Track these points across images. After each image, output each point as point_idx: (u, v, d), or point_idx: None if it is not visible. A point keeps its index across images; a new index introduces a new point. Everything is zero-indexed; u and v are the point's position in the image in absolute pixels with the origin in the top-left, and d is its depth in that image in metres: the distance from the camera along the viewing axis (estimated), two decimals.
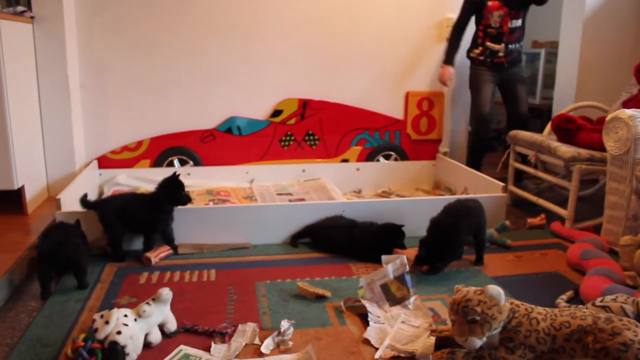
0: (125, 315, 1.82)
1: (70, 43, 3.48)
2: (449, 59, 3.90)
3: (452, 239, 2.54)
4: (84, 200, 2.70)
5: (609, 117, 2.84)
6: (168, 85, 3.77)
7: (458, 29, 3.88)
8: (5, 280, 2.29)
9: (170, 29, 3.69)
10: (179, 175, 2.77)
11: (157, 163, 3.85)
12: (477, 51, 3.85)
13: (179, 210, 2.83)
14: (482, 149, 3.96)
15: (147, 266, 2.62)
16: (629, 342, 1.60)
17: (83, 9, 3.56)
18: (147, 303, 1.90)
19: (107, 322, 1.77)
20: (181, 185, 2.75)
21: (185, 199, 2.75)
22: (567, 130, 3.39)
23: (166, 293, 1.96)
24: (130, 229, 2.73)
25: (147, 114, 3.80)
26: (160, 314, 1.94)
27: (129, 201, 2.76)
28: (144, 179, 3.73)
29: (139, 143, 3.80)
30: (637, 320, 1.88)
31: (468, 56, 3.95)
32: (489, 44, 3.81)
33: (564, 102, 4.24)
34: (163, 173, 3.70)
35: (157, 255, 2.69)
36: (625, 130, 2.70)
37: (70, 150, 3.53)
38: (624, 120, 2.71)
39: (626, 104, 3.34)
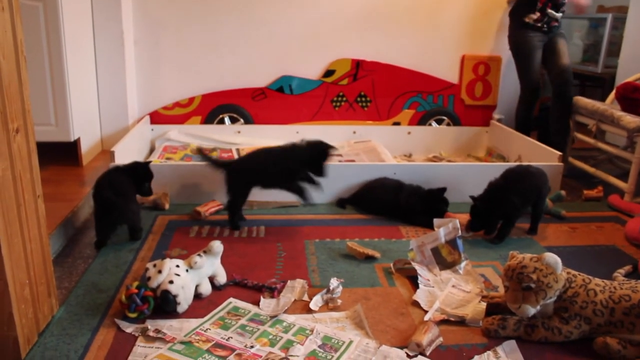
0: (178, 266, 1.85)
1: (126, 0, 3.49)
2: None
3: (503, 202, 2.46)
4: (212, 160, 2.67)
5: None
6: (220, 42, 3.76)
7: None
8: (62, 228, 2.35)
9: None
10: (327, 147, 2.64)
11: (208, 120, 3.87)
12: (534, 17, 3.64)
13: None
14: (531, 115, 3.84)
15: (197, 220, 2.65)
16: None
17: None
18: (199, 255, 1.92)
19: (159, 272, 1.80)
20: (326, 155, 2.63)
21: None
22: (633, 99, 3.23)
23: (217, 246, 1.97)
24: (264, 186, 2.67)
25: (199, 71, 3.80)
26: (211, 266, 1.96)
27: (262, 162, 2.65)
28: (195, 135, 3.76)
29: (191, 99, 3.82)
30: None
31: (520, 21, 3.69)
32: (550, 10, 3.62)
33: (630, 70, 4.04)
34: (214, 130, 3.78)
35: (208, 210, 2.71)
36: None
37: (123, 106, 3.58)
38: None
39: None
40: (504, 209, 2.48)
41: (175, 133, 3.76)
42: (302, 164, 2.59)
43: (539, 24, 3.63)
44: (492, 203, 2.47)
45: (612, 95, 3.58)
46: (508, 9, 3.82)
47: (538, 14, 3.63)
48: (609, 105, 3.42)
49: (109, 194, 2.29)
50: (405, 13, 3.85)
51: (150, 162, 2.59)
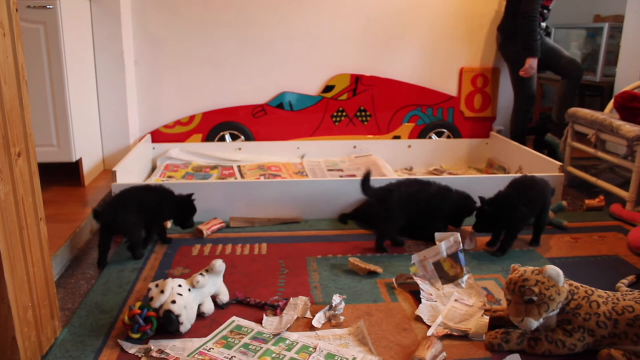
0: (180, 286, 1.85)
1: (126, 19, 3.52)
2: (538, 49, 3.66)
3: (511, 210, 2.46)
4: (368, 187, 2.60)
5: None
6: (220, 60, 3.79)
7: (536, 16, 3.64)
8: (65, 249, 2.36)
9: (223, 4, 3.69)
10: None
11: (209, 138, 3.89)
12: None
13: (229, 185, 2.87)
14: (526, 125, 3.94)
15: (200, 238, 2.65)
16: None
17: None
18: (201, 274, 1.92)
19: (162, 292, 1.81)
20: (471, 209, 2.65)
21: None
22: (631, 108, 3.24)
23: (219, 265, 1.98)
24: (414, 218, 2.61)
25: (199, 89, 3.83)
26: (213, 285, 1.96)
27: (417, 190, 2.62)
28: (197, 154, 3.78)
29: (192, 118, 3.84)
30: None
31: None
32: (543, 24, 3.73)
33: (628, 79, 4.05)
34: (215, 147, 3.80)
35: (210, 228, 2.72)
36: None
37: (125, 125, 3.60)
38: None
39: None
40: (512, 216, 2.46)
41: (177, 151, 3.78)
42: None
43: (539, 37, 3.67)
44: (500, 209, 2.46)
45: (610, 104, 3.59)
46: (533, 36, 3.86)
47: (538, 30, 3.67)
48: (608, 114, 3.43)
49: (111, 209, 2.35)
50: (404, 27, 3.88)
51: (192, 195, 2.61)
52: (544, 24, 3.77)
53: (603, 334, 1.68)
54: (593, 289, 1.76)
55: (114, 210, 2.37)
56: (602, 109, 3.82)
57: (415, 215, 2.56)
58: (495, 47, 3.99)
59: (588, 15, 5.76)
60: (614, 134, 3.13)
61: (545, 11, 3.75)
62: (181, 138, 3.88)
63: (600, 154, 3.41)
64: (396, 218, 2.53)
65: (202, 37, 3.73)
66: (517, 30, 3.67)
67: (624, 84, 4.06)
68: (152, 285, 1.86)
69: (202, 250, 2.52)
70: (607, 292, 1.77)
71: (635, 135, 2.96)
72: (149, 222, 2.49)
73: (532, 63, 3.65)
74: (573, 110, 3.55)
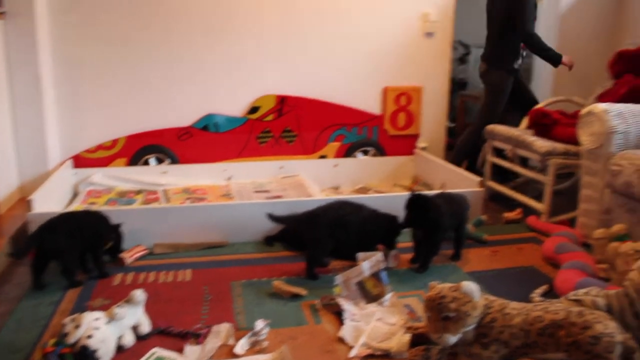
0: (97, 319, 1.80)
1: (43, 40, 3.41)
2: (557, 54, 3.73)
3: (433, 229, 2.53)
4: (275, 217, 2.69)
5: (583, 111, 2.86)
6: (143, 82, 3.72)
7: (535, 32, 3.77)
8: None
9: (145, 24, 3.64)
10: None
11: (133, 161, 3.80)
12: (518, 62, 3.85)
13: (152, 210, 2.82)
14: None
15: (122, 267, 2.59)
16: (599, 335, 1.61)
17: (55, 4, 3.49)
18: (120, 305, 1.87)
19: (77, 326, 1.75)
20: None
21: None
22: (544, 124, 3.41)
23: (139, 295, 1.93)
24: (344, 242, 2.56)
25: (122, 112, 3.75)
26: (133, 316, 1.92)
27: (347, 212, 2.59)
28: (120, 178, 3.69)
29: (114, 141, 3.75)
30: (608, 312, 1.90)
31: (509, 67, 3.84)
32: (523, 52, 3.88)
33: (541, 96, 4.26)
34: (139, 171, 3.72)
35: (132, 255, 2.65)
36: (599, 125, 2.72)
37: (43, 150, 3.47)
38: (597, 114, 2.74)
39: (601, 98, 3.37)
40: (433, 218, 2.50)
41: (99, 176, 3.68)
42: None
43: (517, 67, 3.86)
44: (425, 208, 2.50)
45: (525, 121, 3.76)
46: (427, 40, 3.99)
47: (520, 59, 3.84)
48: (523, 130, 3.59)
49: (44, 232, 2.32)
50: (327, 47, 3.94)
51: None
52: (519, 61, 3.87)
53: (517, 345, 1.73)
54: (507, 301, 1.83)
55: (48, 233, 2.30)
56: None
57: (345, 238, 2.53)
58: (417, 66, 4.10)
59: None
60: (528, 149, 3.27)
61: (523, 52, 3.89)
62: (104, 162, 3.77)
63: (517, 169, 3.56)
64: (325, 243, 2.50)
65: (124, 58, 3.66)
66: (506, 55, 3.82)
67: (538, 100, 4.26)
68: (67, 320, 1.80)
69: (124, 279, 2.46)
70: (520, 303, 1.83)
71: (547, 151, 3.10)
72: (85, 247, 2.43)
73: (566, 60, 3.73)
74: (491, 127, 3.70)
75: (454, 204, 2.63)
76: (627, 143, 2.69)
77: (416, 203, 2.49)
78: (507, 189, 3.62)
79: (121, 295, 2.15)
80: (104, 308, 1.92)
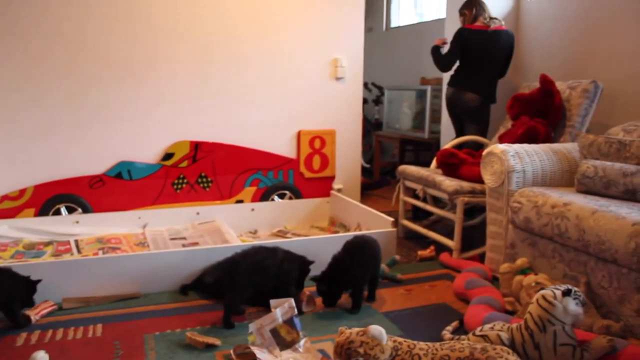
0: None
1: None
2: None
3: (347, 276, 2.59)
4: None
5: (485, 152, 3.01)
6: (52, 129, 3.60)
7: None
8: None
9: (52, 69, 3.54)
10: None
11: (42, 211, 3.65)
12: None
13: (61, 264, 2.71)
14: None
15: (27, 325, 2.46)
16: None
17: None
18: None
19: None
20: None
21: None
22: (451, 164, 3.54)
23: (41, 357, 1.85)
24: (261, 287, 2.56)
25: (29, 161, 3.60)
26: None
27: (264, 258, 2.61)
28: (28, 230, 3.53)
29: (22, 191, 3.60)
30: (511, 346, 1.98)
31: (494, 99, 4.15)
32: None
33: (449, 136, 4.44)
34: (49, 222, 3.58)
35: (39, 312, 2.53)
36: (499, 164, 2.87)
37: None
38: (497, 154, 2.89)
39: (501, 139, 3.56)
40: (349, 283, 2.61)
41: (5, 229, 3.50)
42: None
43: None
44: (336, 279, 2.59)
45: (434, 161, 3.90)
46: (339, 84, 4.12)
47: None
48: (432, 170, 3.73)
49: None
50: (241, 92, 3.97)
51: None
52: None
53: None
54: (415, 342, 1.87)
55: None
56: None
57: (263, 283, 2.53)
58: (329, 110, 4.20)
59: (415, 77, 6.30)
60: (437, 188, 3.40)
61: None
62: (10, 214, 3.60)
63: (429, 207, 3.68)
64: (244, 289, 2.49)
65: (31, 105, 3.53)
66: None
67: (446, 140, 4.45)
68: None
69: (29, 339, 2.33)
70: (428, 343, 1.88)
71: (454, 190, 3.23)
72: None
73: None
74: (402, 167, 3.82)
75: (369, 249, 2.68)
76: (525, 181, 2.85)
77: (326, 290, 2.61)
78: (420, 227, 3.73)
79: (24, 357, 2.06)
80: None
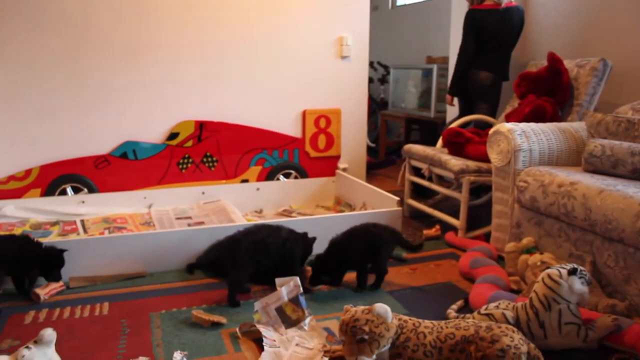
0: None
1: None
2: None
3: (344, 260, 2.62)
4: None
5: (491, 130, 3.00)
6: (57, 110, 3.60)
7: None
8: None
9: (58, 50, 3.53)
10: None
11: (48, 192, 3.66)
12: None
13: (68, 243, 2.72)
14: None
15: (36, 304, 2.48)
16: (505, 347, 1.68)
17: None
18: (27, 347, 1.79)
19: None
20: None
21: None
22: (457, 143, 3.53)
23: (49, 334, 1.86)
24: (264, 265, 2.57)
25: (35, 141, 3.61)
26: (43, 356, 1.83)
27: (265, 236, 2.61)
28: (35, 210, 3.55)
29: (28, 172, 3.61)
30: (516, 324, 1.99)
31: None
32: None
33: (455, 115, 4.42)
34: (55, 202, 3.59)
35: (49, 292, 2.55)
36: (506, 143, 2.86)
37: None
38: (504, 133, 2.87)
39: (508, 118, 3.53)
40: (346, 266, 2.65)
41: (12, 209, 3.52)
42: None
43: None
44: (333, 261, 2.61)
45: (440, 140, 3.89)
46: (344, 63, 4.08)
47: None
48: (438, 149, 3.71)
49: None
50: (246, 72, 3.95)
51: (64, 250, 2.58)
52: None
53: None
54: (420, 320, 1.88)
55: None
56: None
57: (265, 261, 2.54)
58: (335, 89, 4.18)
59: (421, 56, 6.25)
60: (443, 167, 3.39)
61: None
62: (16, 194, 3.62)
63: (434, 186, 3.67)
64: (246, 267, 2.49)
65: (36, 85, 3.52)
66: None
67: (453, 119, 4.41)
68: None
69: (37, 317, 2.35)
70: (433, 321, 1.89)
71: (460, 169, 3.22)
72: (9, 272, 2.47)
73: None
74: (408, 147, 3.80)
75: (369, 239, 2.65)
76: (531, 160, 2.84)
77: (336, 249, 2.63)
78: (426, 206, 3.72)
79: (32, 335, 2.06)
80: (11, 350, 1.83)
